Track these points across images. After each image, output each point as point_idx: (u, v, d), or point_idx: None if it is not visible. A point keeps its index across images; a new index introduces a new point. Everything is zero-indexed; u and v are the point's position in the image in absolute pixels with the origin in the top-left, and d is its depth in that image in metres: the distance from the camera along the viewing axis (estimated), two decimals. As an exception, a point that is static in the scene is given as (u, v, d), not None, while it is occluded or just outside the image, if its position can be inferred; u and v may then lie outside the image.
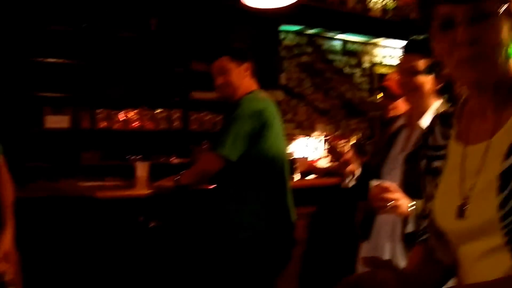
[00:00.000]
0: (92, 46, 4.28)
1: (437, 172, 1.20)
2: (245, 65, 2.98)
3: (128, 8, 4.34)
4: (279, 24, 4.90)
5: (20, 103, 4.03)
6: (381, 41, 6.00)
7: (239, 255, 2.85)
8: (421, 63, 2.12)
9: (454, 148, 1.16)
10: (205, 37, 4.39)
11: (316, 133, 5.64)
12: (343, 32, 5.62)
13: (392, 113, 3.28)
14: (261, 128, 2.86)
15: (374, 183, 1.93)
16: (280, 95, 5.07)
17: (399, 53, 2.33)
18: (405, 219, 1.97)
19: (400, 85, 2.28)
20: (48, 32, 4.10)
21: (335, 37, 5.75)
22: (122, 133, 4.43)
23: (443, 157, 1.19)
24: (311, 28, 5.42)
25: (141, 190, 3.33)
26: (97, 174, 3.96)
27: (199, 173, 2.98)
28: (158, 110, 4.32)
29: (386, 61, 6.22)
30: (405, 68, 2.17)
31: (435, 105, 2.14)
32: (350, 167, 2.62)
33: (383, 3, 5.50)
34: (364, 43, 6.04)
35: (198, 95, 4.47)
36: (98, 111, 4.32)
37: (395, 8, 5.54)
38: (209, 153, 2.99)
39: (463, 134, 1.16)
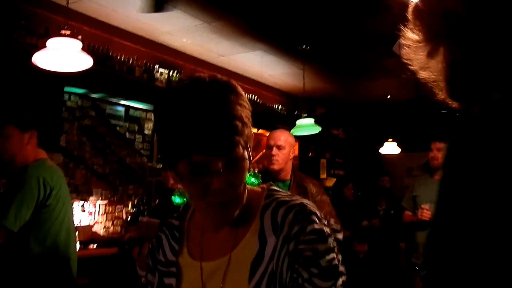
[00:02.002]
0: None
1: None
2: (28, 134, 2.86)
3: None
4: (64, 85, 4.71)
5: None
6: (163, 110, 6.15)
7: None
8: None
9: (189, 265, 1.16)
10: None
11: (93, 198, 5.46)
12: (127, 98, 5.64)
13: (174, 185, 3.36)
14: (47, 197, 2.74)
15: (144, 219, 2.03)
16: (59, 157, 4.83)
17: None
18: None
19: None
20: None
21: (118, 102, 5.74)
22: None
23: (175, 275, 1.17)
24: (96, 92, 5.32)
25: None
26: None
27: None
28: None
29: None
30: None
31: None
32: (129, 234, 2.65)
33: (169, 74, 5.72)
34: (146, 110, 6.14)
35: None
36: None
37: (179, 81, 5.79)
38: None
39: (195, 250, 1.18)
